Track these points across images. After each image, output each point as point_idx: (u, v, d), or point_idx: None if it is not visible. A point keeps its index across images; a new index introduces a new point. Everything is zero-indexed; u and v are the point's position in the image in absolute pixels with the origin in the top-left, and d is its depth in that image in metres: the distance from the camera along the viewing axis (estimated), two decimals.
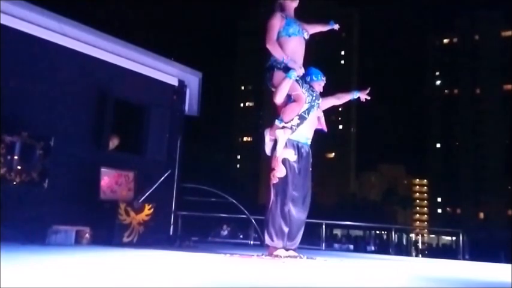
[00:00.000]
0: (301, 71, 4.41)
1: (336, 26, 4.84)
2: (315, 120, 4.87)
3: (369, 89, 5.12)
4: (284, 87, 4.33)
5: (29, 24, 5.71)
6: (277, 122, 4.42)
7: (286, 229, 4.50)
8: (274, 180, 4.53)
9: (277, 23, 4.43)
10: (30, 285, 1.88)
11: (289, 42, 4.44)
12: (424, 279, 3.52)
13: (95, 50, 6.37)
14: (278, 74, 4.37)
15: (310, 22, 4.76)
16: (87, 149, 6.23)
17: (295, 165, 4.60)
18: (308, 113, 4.52)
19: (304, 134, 4.73)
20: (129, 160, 6.66)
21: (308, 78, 4.76)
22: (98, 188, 5.98)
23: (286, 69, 4.33)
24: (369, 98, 5.11)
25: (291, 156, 4.58)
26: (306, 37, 4.59)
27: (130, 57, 6.78)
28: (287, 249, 4.53)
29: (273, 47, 4.39)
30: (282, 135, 4.38)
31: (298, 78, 4.39)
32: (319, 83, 4.91)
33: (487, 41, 77.80)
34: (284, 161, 4.54)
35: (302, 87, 4.44)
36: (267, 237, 4.53)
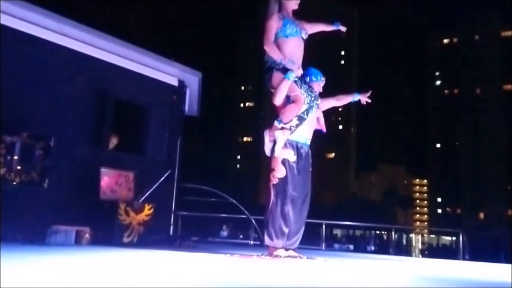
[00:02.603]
0: (300, 72, 4.39)
1: (342, 28, 4.75)
2: (314, 121, 4.87)
3: (370, 92, 5.10)
4: (283, 88, 4.32)
5: (29, 24, 5.70)
6: (276, 122, 4.42)
7: (286, 229, 4.50)
8: (274, 181, 4.53)
9: (274, 24, 4.41)
10: (30, 285, 1.88)
11: (288, 43, 4.42)
12: (424, 279, 3.52)
13: (95, 50, 6.36)
14: (277, 75, 4.35)
15: (311, 21, 4.73)
16: (87, 149, 6.23)
17: (295, 165, 4.59)
18: (307, 114, 4.52)
19: (304, 135, 4.73)
20: (129, 160, 6.66)
21: (307, 79, 4.76)
22: (98, 188, 5.98)
23: (285, 70, 4.31)
24: (369, 101, 5.08)
25: (291, 156, 4.57)
26: (305, 37, 4.56)
27: (130, 57, 6.78)
28: (287, 249, 4.53)
29: (270, 49, 4.38)
30: (281, 136, 4.38)
31: (297, 79, 4.38)
32: (319, 84, 4.91)
33: (487, 41, 77.76)
34: (284, 162, 4.54)
35: (301, 88, 4.43)
36: (266, 238, 4.53)
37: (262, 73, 4.51)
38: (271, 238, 4.49)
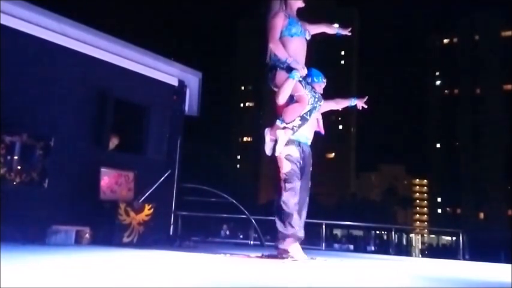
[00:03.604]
0: (304, 72, 4.32)
1: (344, 31, 4.71)
2: (315, 122, 4.82)
3: (367, 97, 5.07)
4: (287, 87, 4.24)
5: (29, 24, 5.70)
6: (278, 122, 4.33)
7: (297, 225, 4.40)
8: (283, 177, 4.46)
9: (280, 22, 4.32)
10: (30, 285, 1.88)
11: (292, 42, 4.34)
12: (424, 279, 3.52)
13: (95, 50, 6.36)
14: (281, 74, 4.28)
15: (312, 22, 4.69)
16: (87, 149, 6.23)
17: (299, 164, 4.54)
18: (310, 115, 4.42)
19: (305, 134, 4.69)
20: (129, 160, 6.66)
21: (309, 79, 4.67)
22: (98, 188, 5.98)
23: (289, 69, 4.25)
24: (366, 106, 5.06)
25: (294, 151, 4.51)
26: (308, 38, 4.49)
27: (130, 57, 6.78)
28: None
29: (275, 46, 4.29)
30: (283, 136, 4.30)
31: (301, 79, 4.31)
32: (320, 85, 4.85)
33: (487, 41, 77.76)
34: (288, 157, 4.47)
35: (305, 88, 4.35)
36: (282, 239, 4.39)
37: (265, 71, 4.42)
38: (286, 229, 4.38)
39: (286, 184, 4.44)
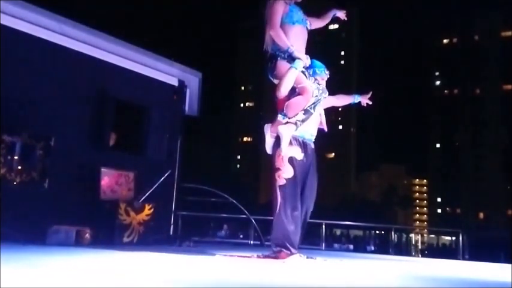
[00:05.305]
0: (308, 62, 4.09)
1: (341, 14, 4.54)
2: (318, 117, 4.52)
3: (371, 93, 4.76)
4: (289, 78, 3.95)
5: (29, 24, 5.71)
6: (280, 117, 4.03)
7: (296, 233, 4.10)
8: (281, 182, 4.06)
9: (280, 8, 4.06)
10: (30, 285, 1.89)
11: (292, 30, 4.08)
12: (424, 279, 3.52)
13: (95, 50, 6.36)
14: (282, 64, 4.00)
15: (311, 16, 4.50)
16: (87, 149, 6.23)
17: (302, 163, 4.20)
18: (314, 108, 4.16)
19: (309, 130, 4.38)
20: (129, 160, 6.66)
21: (310, 71, 4.34)
22: (98, 188, 5.99)
23: (291, 59, 3.98)
24: (370, 102, 4.75)
25: (298, 154, 4.16)
26: (309, 27, 4.27)
27: (130, 57, 6.78)
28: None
29: (276, 34, 4.00)
30: (286, 132, 3.97)
31: (304, 70, 4.06)
32: (322, 78, 4.50)
33: (487, 41, 77.76)
34: (291, 160, 4.08)
35: (308, 79, 4.11)
36: (274, 244, 4.13)
37: (265, 62, 4.15)
38: (280, 245, 4.05)
39: (284, 191, 4.06)
